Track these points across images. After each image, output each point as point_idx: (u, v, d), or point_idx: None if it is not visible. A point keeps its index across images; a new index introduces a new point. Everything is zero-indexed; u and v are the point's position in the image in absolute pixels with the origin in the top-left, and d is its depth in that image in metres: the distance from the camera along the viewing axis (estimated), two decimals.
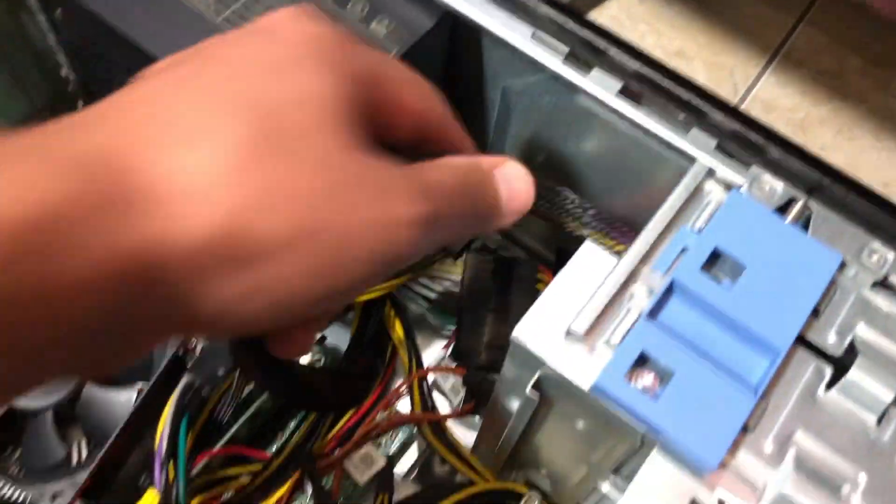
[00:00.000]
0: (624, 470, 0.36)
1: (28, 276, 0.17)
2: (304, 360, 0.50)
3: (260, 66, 0.22)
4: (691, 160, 0.35)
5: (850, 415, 0.31)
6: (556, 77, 0.38)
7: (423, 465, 0.52)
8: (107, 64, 0.46)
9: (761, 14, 0.72)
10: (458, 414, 0.47)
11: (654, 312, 0.32)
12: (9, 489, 0.41)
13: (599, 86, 0.37)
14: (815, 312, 0.33)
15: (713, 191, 0.35)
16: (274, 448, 0.51)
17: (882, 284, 0.33)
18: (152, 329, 0.21)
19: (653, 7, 0.72)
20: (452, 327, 0.53)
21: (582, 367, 0.31)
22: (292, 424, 0.52)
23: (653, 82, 0.36)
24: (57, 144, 0.19)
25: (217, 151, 0.20)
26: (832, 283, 0.33)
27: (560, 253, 0.54)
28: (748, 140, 0.35)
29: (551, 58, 0.37)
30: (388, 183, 0.23)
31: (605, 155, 0.41)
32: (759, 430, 0.31)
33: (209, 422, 0.44)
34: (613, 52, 0.36)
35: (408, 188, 0.23)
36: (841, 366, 0.32)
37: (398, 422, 0.47)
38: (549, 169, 0.48)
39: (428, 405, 0.49)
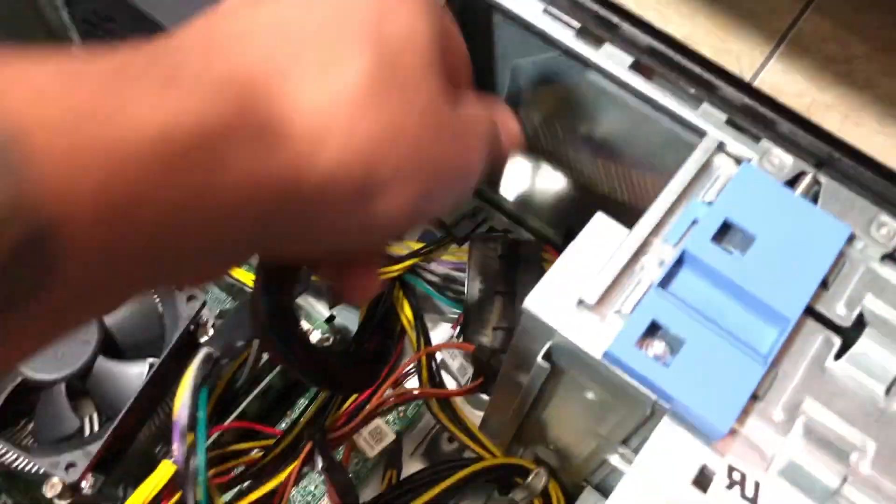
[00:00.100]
0: (633, 441, 0.37)
1: (190, 189, 0.18)
2: (314, 338, 0.50)
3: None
4: (702, 134, 0.36)
5: (858, 384, 0.32)
6: (568, 53, 0.38)
7: (430, 443, 0.52)
8: (120, 41, 0.46)
9: (768, 0, 0.72)
10: (467, 390, 0.48)
11: (664, 283, 0.32)
12: (23, 460, 0.41)
13: (611, 60, 0.37)
14: (824, 284, 0.33)
15: (723, 164, 0.35)
16: (283, 425, 0.51)
17: (891, 257, 0.34)
18: (274, 247, 0.22)
19: None
20: (459, 311, 0.54)
21: (593, 336, 0.31)
22: (302, 402, 0.52)
23: (664, 56, 0.36)
24: (197, 66, 0.19)
25: (346, 83, 0.21)
26: (841, 256, 0.33)
27: (568, 235, 0.54)
28: (758, 114, 0.35)
29: (563, 32, 0.37)
30: (467, 129, 0.25)
31: (615, 131, 0.41)
32: (768, 399, 0.31)
33: (224, 395, 0.45)
34: (625, 27, 0.36)
35: (478, 136, 0.25)
36: (849, 337, 0.32)
37: (407, 397, 0.48)
38: (560, 146, 0.48)
39: (436, 381, 0.49)
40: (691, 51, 0.36)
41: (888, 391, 0.31)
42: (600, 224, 0.34)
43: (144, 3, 0.38)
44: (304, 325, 0.53)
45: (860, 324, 0.32)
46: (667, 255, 0.33)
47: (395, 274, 0.50)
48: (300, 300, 0.54)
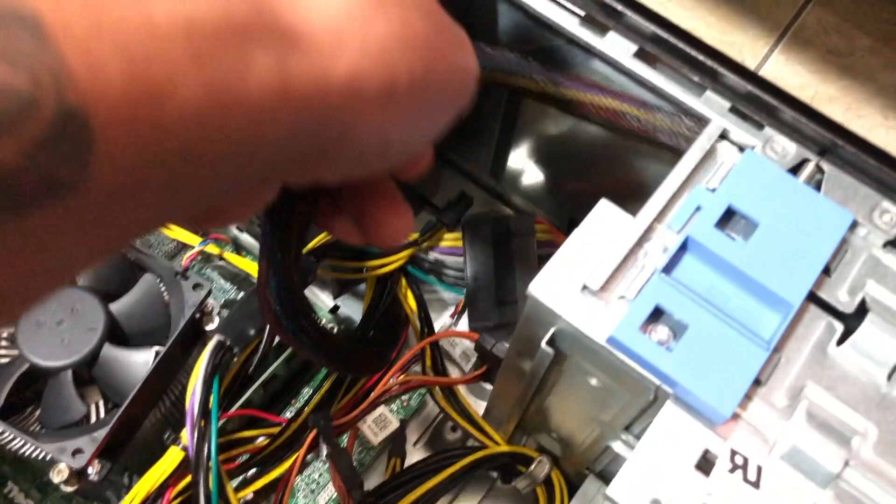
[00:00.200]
0: (635, 428, 0.37)
1: (220, 81, 0.17)
2: None
3: None
4: (705, 122, 0.36)
5: (860, 370, 0.32)
6: (572, 41, 0.38)
7: (434, 431, 0.52)
8: None
9: None
10: (470, 378, 0.48)
11: (668, 268, 0.32)
12: (30, 447, 0.42)
13: (615, 48, 0.37)
14: (827, 270, 0.33)
15: (727, 152, 0.35)
16: (289, 413, 0.51)
17: (893, 244, 0.34)
18: (299, 167, 0.22)
19: None
20: (459, 295, 0.54)
21: (597, 321, 0.31)
22: (307, 391, 0.52)
23: (668, 44, 0.36)
24: None
25: None
26: (844, 242, 0.33)
27: (571, 224, 0.54)
28: (762, 102, 0.35)
29: (568, 19, 0.38)
30: (464, 36, 0.25)
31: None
32: (771, 384, 0.31)
33: (231, 383, 0.45)
34: (630, 14, 0.36)
35: (472, 44, 0.26)
36: (851, 323, 0.33)
37: (411, 385, 0.48)
38: (563, 135, 0.48)
39: (439, 370, 0.49)
40: (695, 38, 0.36)
41: (890, 377, 0.32)
42: (604, 210, 0.34)
43: None
44: None
45: (862, 310, 0.33)
46: (670, 242, 0.33)
47: (398, 263, 0.51)
48: (306, 291, 0.55)
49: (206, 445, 0.37)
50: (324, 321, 0.53)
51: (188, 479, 0.41)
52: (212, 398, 0.39)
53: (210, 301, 0.46)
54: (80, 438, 0.41)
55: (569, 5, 0.38)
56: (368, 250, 0.51)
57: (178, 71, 0.16)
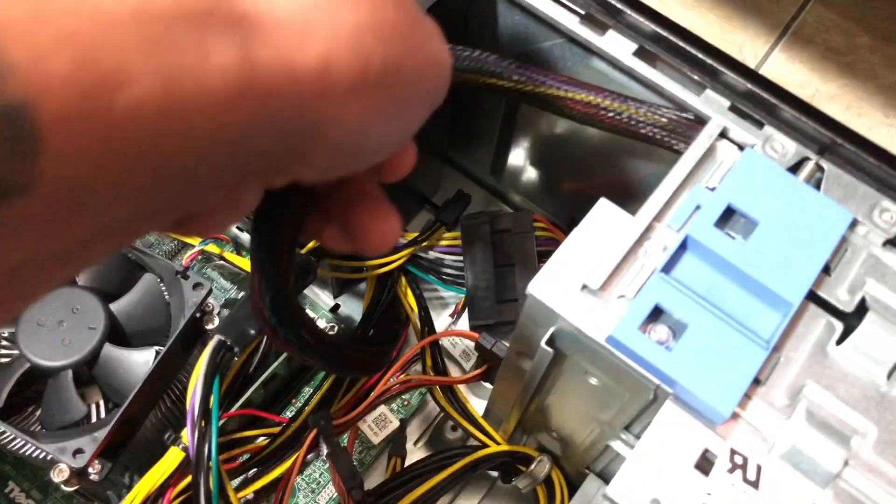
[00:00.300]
0: (635, 427, 0.37)
1: (177, 68, 0.16)
2: (319, 326, 0.51)
3: None
4: (705, 120, 0.36)
5: (860, 369, 0.32)
6: (572, 40, 0.38)
7: (434, 431, 0.52)
8: None
9: None
10: (470, 377, 0.48)
11: (668, 267, 0.32)
12: (30, 447, 0.42)
13: (615, 47, 0.37)
14: (827, 269, 0.33)
15: (726, 150, 0.35)
16: (289, 413, 0.51)
17: (892, 243, 0.34)
18: (272, 165, 0.21)
19: None
20: (459, 294, 0.54)
21: (597, 320, 0.31)
22: (307, 390, 0.52)
23: (668, 42, 0.36)
24: None
25: None
26: (843, 241, 0.33)
27: (572, 223, 0.54)
28: (761, 100, 0.35)
29: (568, 18, 0.38)
30: (435, 28, 0.25)
31: None
32: (770, 383, 0.31)
33: (232, 383, 0.45)
34: (629, 13, 0.36)
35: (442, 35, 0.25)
36: (851, 322, 0.32)
37: (411, 384, 0.48)
38: (564, 134, 0.48)
39: (440, 369, 0.49)
40: (695, 37, 0.36)
41: (889, 376, 0.32)
42: (604, 210, 0.34)
43: None
44: (309, 314, 0.53)
45: (862, 309, 0.33)
46: (670, 241, 0.33)
47: (398, 263, 0.51)
48: (306, 290, 0.55)
49: (207, 445, 0.38)
50: (324, 321, 0.53)
51: (189, 478, 0.41)
52: (212, 398, 0.39)
53: (210, 300, 0.46)
54: (80, 438, 0.41)
55: (569, 3, 0.38)
56: None
57: (130, 59, 0.16)
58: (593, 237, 0.33)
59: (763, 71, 0.69)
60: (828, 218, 0.33)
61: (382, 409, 0.47)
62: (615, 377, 0.33)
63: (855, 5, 0.71)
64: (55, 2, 0.15)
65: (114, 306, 0.45)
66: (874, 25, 0.70)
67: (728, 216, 0.33)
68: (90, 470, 0.41)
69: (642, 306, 0.31)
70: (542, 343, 0.33)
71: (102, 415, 0.45)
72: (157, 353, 0.44)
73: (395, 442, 0.49)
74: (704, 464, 0.30)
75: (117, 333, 0.45)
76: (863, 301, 0.33)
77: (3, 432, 0.42)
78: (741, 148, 0.35)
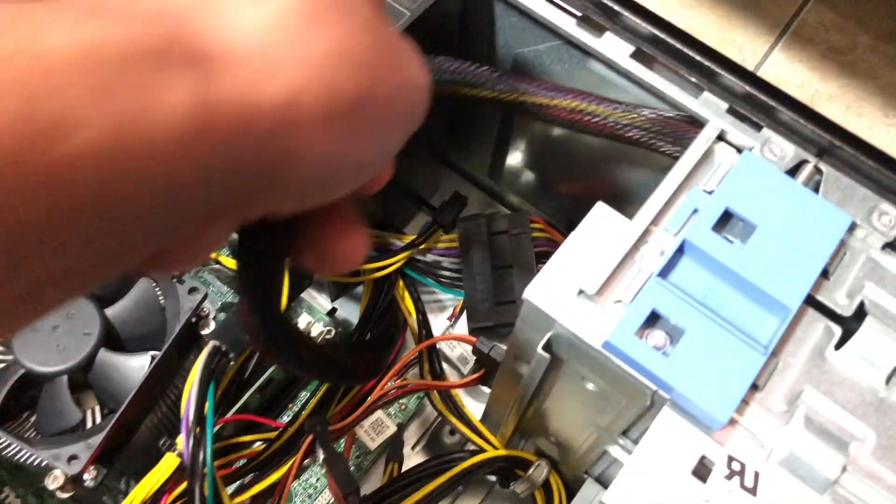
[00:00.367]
0: (633, 433, 0.36)
1: (129, 112, 0.16)
2: (317, 330, 0.50)
3: None
4: (703, 123, 0.35)
5: (858, 374, 0.31)
6: (569, 42, 0.38)
7: (432, 435, 0.52)
8: None
9: None
10: (467, 382, 0.48)
11: (665, 272, 0.32)
12: (26, 453, 0.42)
13: (612, 49, 0.37)
14: (825, 273, 0.33)
15: (724, 153, 0.35)
16: (286, 417, 0.51)
17: (891, 246, 0.33)
18: (243, 200, 0.20)
19: None
20: (457, 297, 0.54)
21: (593, 326, 0.31)
22: (304, 394, 0.52)
23: (666, 44, 0.36)
24: (123, 2, 0.18)
25: (279, 12, 0.20)
26: (842, 245, 0.33)
27: (570, 226, 0.54)
28: (759, 102, 0.35)
29: (565, 20, 0.37)
30: (411, 51, 0.24)
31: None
32: (768, 388, 0.31)
33: (228, 388, 0.45)
34: (627, 15, 0.36)
35: (417, 59, 0.24)
36: (850, 326, 0.32)
37: (408, 389, 0.48)
38: (562, 136, 0.48)
39: (437, 373, 0.49)
40: (693, 39, 0.36)
41: (888, 381, 0.31)
42: (601, 214, 0.34)
43: None
44: (306, 317, 0.53)
45: (861, 313, 0.32)
46: (667, 245, 0.33)
47: (396, 266, 0.50)
48: (303, 294, 0.55)
49: (202, 452, 0.37)
50: (321, 324, 0.53)
51: (184, 484, 0.40)
52: (207, 404, 0.38)
53: (206, 305, 0.46)
54: (75, 444, 0.41)
55: (566, 6, 0.37)
56: None
57: (75, 107, 0.15)
58: (590, 241, 0.33)
59: (763, 71, 0.68)
60: (826, 221, 0.33)
61: (379, 414, 0.47)
62: (612, 383, 0.33)
63: (855, 5, 0.70)
64: (1, 45, 0.14)
65: (109, 311, 0.44)
66: (874, 25, 0.69)
67: (726, 220, 0.33)
68: (85, 476, 0.41)
69: (639, 311, 0.31)
70: (539, 348, 0.33)
71: (98, 420, 0.44)
72: (153, 358, 0.44)
73: (393, 446, 0.48)
74: (702, 470, 0.30)
75: (112, 338, 0.44)
76: (861, 305, 0.33)
77: None
78: (739, 150, 0.35)
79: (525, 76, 0.38)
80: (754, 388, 0.31)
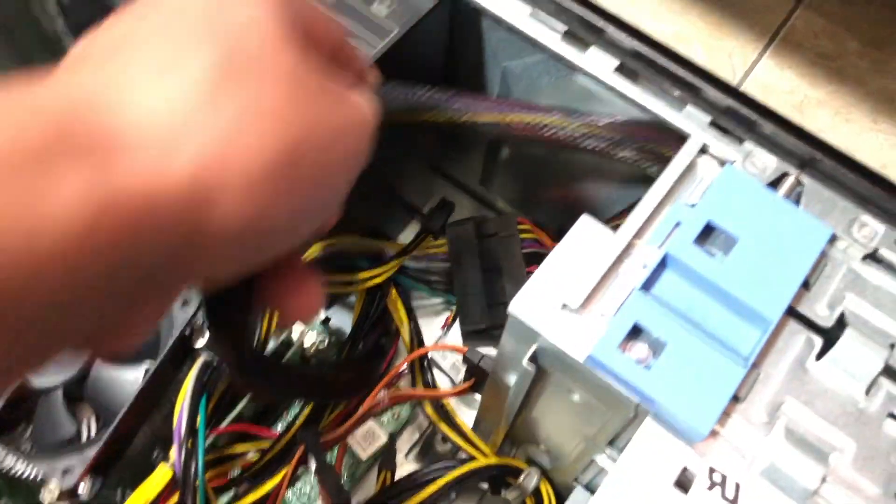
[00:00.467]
0: (619, 442, 0.37)
1: (18, 210, 0.16)
2: (310, 340, 0.51)
3: None
4: (686, 136, 0.36)
5: (839, 385, 0.32)
6: (554, 56, 0.38)
7: (424, 444, 0.53)
8: None
9: None
10: (458, 391, 0.48)
11: (647, 285, 0.32)
12: (21, 465, 0.42)
13: (596, 63, 0.37)
14: (806, 285, 0.33)
15: (707, 166, 0.36)
16: (279, 426, 0.52)
17: (872, 257, 0.34)
18: (171, 281, 0.20)
19: None
20: (449, 303, 0.54)
21: (577, 340, 0.32)
22: (298, 404, 0.52)
23: (649, 59, 0.36)
24: (18, 101, 0.17)
25: (190, 81, 0.19)
26: (823, 256, 0.34)
27: (560, 234, 0.54)
28: (742, 116, 0.35)
29: (549, 35, 0.38)
30: (339, 91, 0.23)
31: None
32: (749, 400, 0.31)
33: (222, 398, 0.45)
34: (611, 30, 0.36)
35: (359, 91, 0.24)
36: (831, 337, 0.33)
37: (400, 398, 0.48)
38: (547, 147, 0.48)
39: (429, 382, 0.50)
40: (676, 54, 0.36)
41: (868, 391, 0.32)
42: (585, 226, 0.34)
43: None
44: (300, 327, 0.53)
45: (841, 324, 0.33)
46: (650, 258, 0.33)
47: (387, 275, 0.51)
48: None
49: (194, 464, 0.38)
50: (314, 333, 0.53)
51: (177, 496, 0.41)
52: (199, 417, 0.39)
53: (200, 317, 0.46)
54: (70, 457, 0.41)
55: (550, 21, 0.38)
56: (357, 262, 0.51)
57: None
58: (574, 254, 0.34)
59: (752, 77, 0.69)
60: (807, 233, 0.33)
61: (371, 424, 0.47)
62: (597, 395, 0.33)
63: (843, 11, 0.71)
64: None
65: None
66: (863, 30, 0.70)
67: (708, 233, 0.33)
68: (80, 488, 0.42)
69: (621, 325, 0.31)
70: (524, 361, 0.34)
71: (93, 432, 0.45)
72: (147, 370, 0.44)
73: (385, 456, 0.49)
74: (684, 481, 0.30)
75: None
76: (842, 316, 0.33)
77: None
78: (722, 164, 0.36)
79: (478, 94, 0.37)
80: (735, 399, 0.31)
